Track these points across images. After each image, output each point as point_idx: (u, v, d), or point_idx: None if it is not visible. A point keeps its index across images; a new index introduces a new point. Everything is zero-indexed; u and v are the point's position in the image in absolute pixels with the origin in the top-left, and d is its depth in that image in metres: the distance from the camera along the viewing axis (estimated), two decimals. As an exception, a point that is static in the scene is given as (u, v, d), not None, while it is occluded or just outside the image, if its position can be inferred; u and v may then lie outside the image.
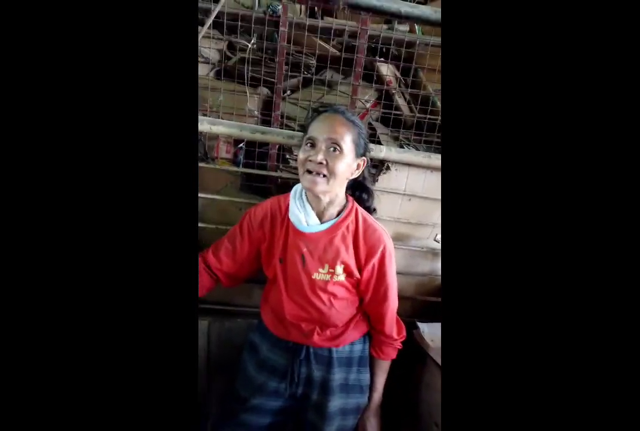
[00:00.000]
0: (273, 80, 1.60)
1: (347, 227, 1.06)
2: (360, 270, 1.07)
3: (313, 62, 1.88)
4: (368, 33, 1.54)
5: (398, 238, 1.38)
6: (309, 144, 0.99)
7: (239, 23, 1.58)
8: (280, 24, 1.48)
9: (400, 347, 1.18)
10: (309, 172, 0.98)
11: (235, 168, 1.49)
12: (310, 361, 1.13)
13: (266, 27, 1.62)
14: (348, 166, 1.00)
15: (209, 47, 1.76)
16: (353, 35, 1.74)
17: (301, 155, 1.00)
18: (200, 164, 1.31)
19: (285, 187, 1.37)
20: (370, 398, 1.19)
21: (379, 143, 1.72)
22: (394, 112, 1.76)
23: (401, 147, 1.75)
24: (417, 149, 1.71)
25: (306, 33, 1.59)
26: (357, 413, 1.18)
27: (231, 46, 1.93)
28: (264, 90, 1.79)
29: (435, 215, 1.39)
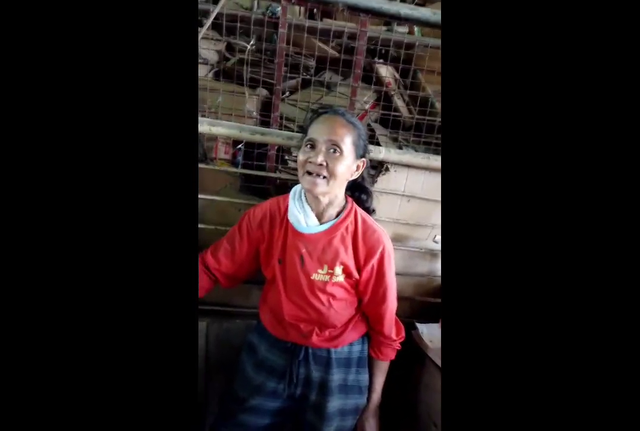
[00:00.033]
0: (272, 81, 1.61)
1: (347, 228, 1.06)
2: (360, 271, 1.07)
3: (312, 63, 1.89)
4: (367, 34, 1.54)
5: (397, 239, 1.38)
6: (308, 145, 1.00)
7: (238, 24, 1.58)
8: (280, 25, 1.49)
9: (399, 348, 1.18)
10: (309, 173, 0.98)
11: (234, 169, 1.49)
12: (308, 361, 1.13)
13: (265, 29, 1.63)
14: (348, 167, 1.00)
15: (208, 48, 1.77)
16: (352, 36, 1.75)
17: (301, 157, 1.00)
18: (199, 165, 1.31)
19: (284, 188, 1.37)
20: (369, 398, 1.19)
21: (378, 144, 1.72)
22: (392, 113, 1.77)
23: (400, 148, 1.76)
24: (415, 150, 1.71)
25: (305, 34, 1.60)
26: (356, 414, 1.19)
27: (230, 47, 1.93)
28: (263, 91, 1.80)
29: (434, 216, 1.39)
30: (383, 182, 1.33)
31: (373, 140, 1.76)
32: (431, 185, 1.34)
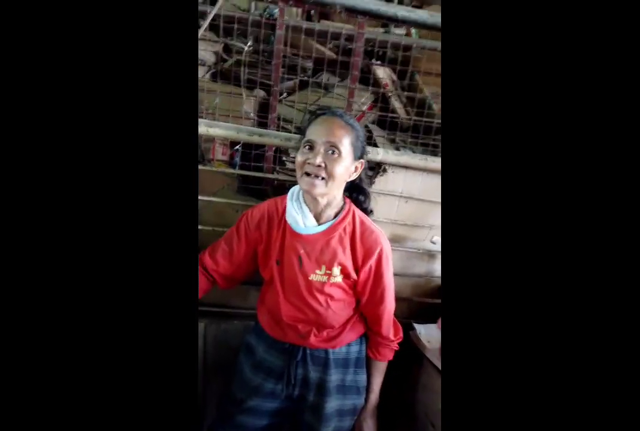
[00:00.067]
0: (269, 82, 1.61)
1: (344, 229, 1.06)
2: (357, 272, 1.08)
3: (309, 64, 1.89)
4: (365, 36, 1.54)
5: (395, 240, 1.38)
6: (307, 147, 1.00)
7: (235, 26, 1.58)
8: (277, 26, 1.49)
9: (396, 348, 1.18)
10: (308, 174, 0.98)
11: (231, 171, 1.49)
12: (306, 362, 1.13)
13: (262, 30, 1.63)
14: (346, 169, 1.01)
15: (205, 50, 1.77)
16: (350, 38, 1.76)
17: (299, 158, 1.00)
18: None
19: (282, 189, 1.38)
20: (366, 399, 1.19)
21: (376, 145, 1.73)
22: (390, 114, 1.78)
23: (397, 149, 1.76)
24: (413, 152, 1.72)
25: (303, 36, 1.60)
26: (354, 414, 1.19)
27: (227, 49, 1.93)
28: (260, 93, 1.80)
29: (431, 217, 1.39)
30: (381, 183, 1.33)
31: (371, 141, 1.77)
32: (429, 186, 1.35)
